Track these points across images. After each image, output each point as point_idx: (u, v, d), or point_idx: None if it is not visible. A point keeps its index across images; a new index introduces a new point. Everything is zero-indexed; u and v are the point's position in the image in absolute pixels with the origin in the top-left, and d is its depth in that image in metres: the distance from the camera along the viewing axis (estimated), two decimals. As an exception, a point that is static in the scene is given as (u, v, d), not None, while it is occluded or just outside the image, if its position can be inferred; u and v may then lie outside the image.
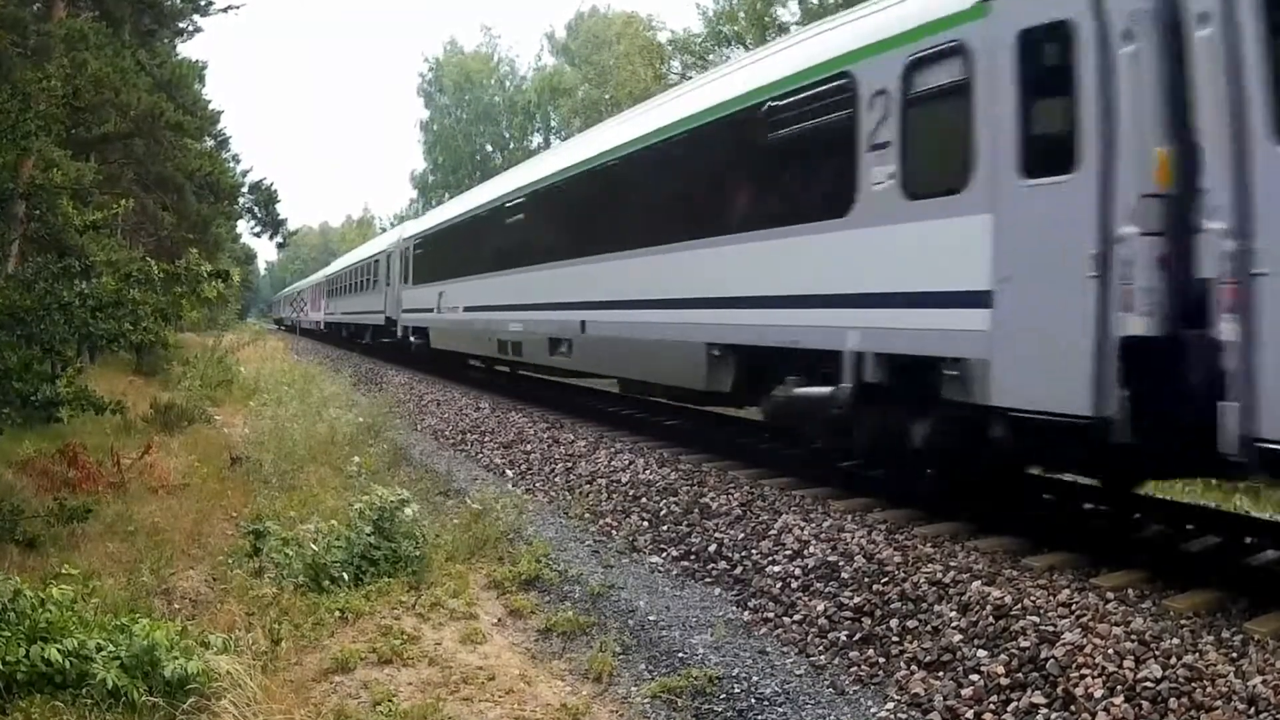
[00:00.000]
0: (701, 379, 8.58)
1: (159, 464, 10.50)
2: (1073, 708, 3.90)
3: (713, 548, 6.59)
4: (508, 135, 55.74)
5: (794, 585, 5.70)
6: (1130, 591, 4.98)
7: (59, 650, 4.31)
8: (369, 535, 6.36)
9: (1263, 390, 4.14)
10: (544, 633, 5.51)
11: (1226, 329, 4.29)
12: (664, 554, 6.80)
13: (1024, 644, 4.34)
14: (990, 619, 4.65)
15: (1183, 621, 4.52)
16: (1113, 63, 4.83)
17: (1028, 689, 4.10)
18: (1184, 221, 4.55)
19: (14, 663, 4.25)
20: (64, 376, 8.33)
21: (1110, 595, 4.85)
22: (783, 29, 23.55)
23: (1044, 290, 5.16)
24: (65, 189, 10.10)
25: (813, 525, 6.42)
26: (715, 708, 4.45)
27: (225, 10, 19.30)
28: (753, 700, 4.48)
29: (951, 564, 5.38)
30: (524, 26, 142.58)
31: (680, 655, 5.00)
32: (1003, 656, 4.33)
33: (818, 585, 5.60)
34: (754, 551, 6.30)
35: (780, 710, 4.38)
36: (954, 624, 4.72)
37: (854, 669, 4.72)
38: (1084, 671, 4.04)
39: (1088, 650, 4.14)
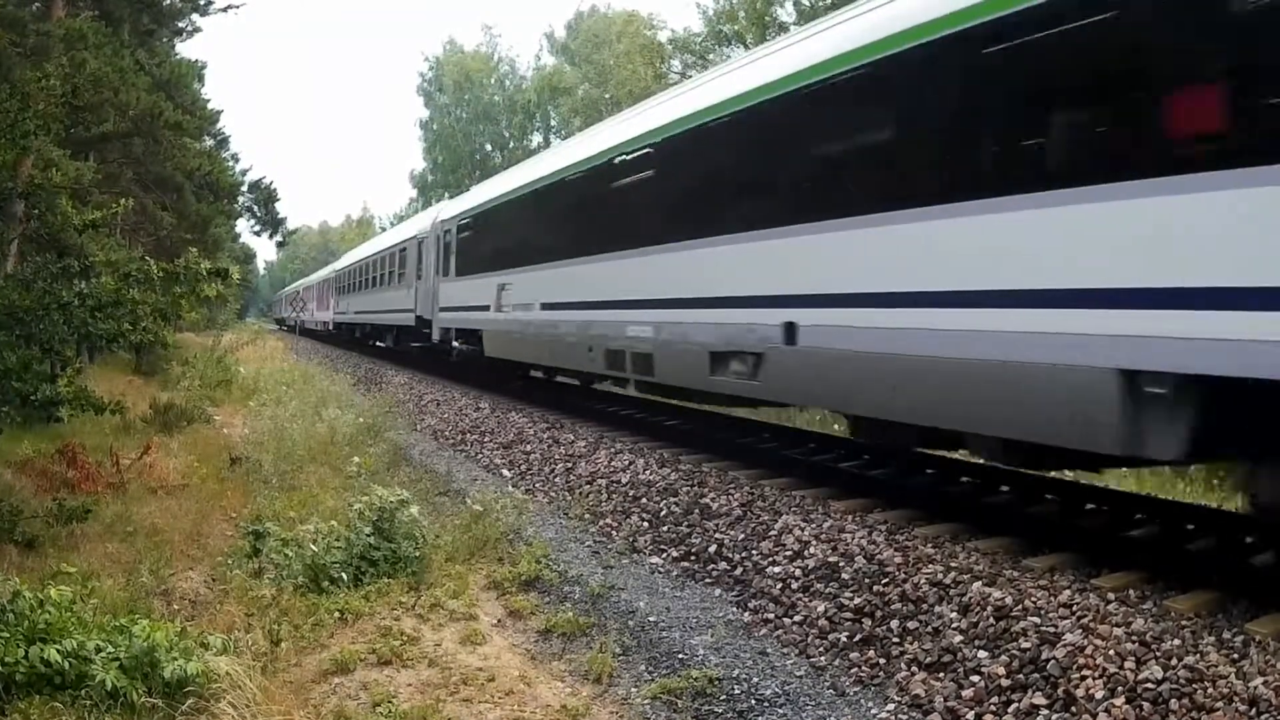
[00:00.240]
0: (1115, 432, 4.74)
1: (158, 464, 10.49)
2: (1074, 709, 3.89)
3: (713, 548, 6.58)
4: (508, 135, 55.70)
5: (794, 586, 5.69)
6: (1131, 592, 4.98)
7: (58, 651, 4.30)
8: (368, 536, 6.36)
9: None
10: (544, 633, 5.51)
11: None
12: (664, 555, 6.79)
13: (1025, 645, 4.34)
14: (991, 620, 4.64)
15: (1184, 622, 4.52)
16: None
17: (1028, 690, 4.09)
18: None
19: (13, 663, 4.23)
20: (64, 376, 8.33)
21: (1111, 596, 4.84)
22: (783, 28, 23.53)
23: None
24: (64, 188, 10.09)
25: (813, 526, 6.42)
26: (715, 709, 4.44)
27: (225, 10, 19.32)
28: (753, 701, 4.47)
29: (952, 565, 5.37)
30: (524, 26, 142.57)
31: (680, 656, 4.99)
32: (1003, 657, 4.32)
33: (818, 586, 5.59)
34: (754, 552, 6.29)
35: (781, 711, 4.37)
36: (954, 625, 4.72)
37: (854, 670, 4.71)
38: (1085, 672, 4.03)
39: (1089, 651, 4.14)
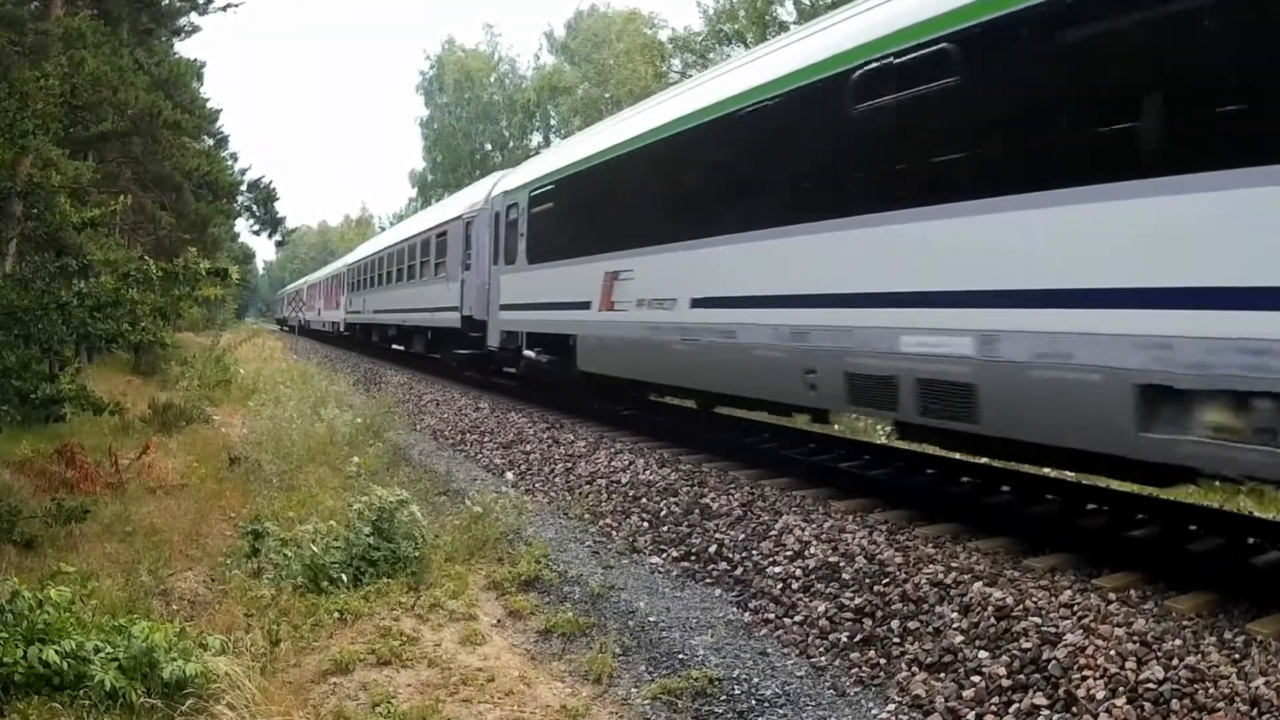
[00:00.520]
0: None
1: (157, 464, 10.47)
2: (1075, 709, 3.88)
3: (713, 548, 6.57)
4: (507, 134, 55.71)
5: (795, 586, 5.68)
6: (1132, 592, 4.97)
7: (57, 651, 4.29)
8: (368, 536, 6.34)
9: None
10: (544, 634, 5.50)
11: None
12: (664, 555, 6.78)
13: (1026, 645, 4.33)
14: (992, 620, 4.63)
15: (1185, 623, 4.51)
16: None
17: (1029, 690, 4.09)
18: None
19: (12, 664, 4.23)
20: (65, 375, 8.32)
21: (1112, 596, 4.83)
22: (783, 27, 23.52)
23: None
24: (63, 188, 10.08)
25: (813, 526, 6.41)
26: (716, 709, 4.43)
27: (224, 9, 19.32)
28: (753, 702, 4.46)
29: (953, 565, 5.36)
30: (523, 25, 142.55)
31: (681, 656, 4.99)
32: (1004, 658, 4.32)
33: (818, 586, 5.59)
34: (754, 552, 6.28)
35: (781, 712, 4.36)
36: (955, 625, 4.71)
37: (855, 670, 4.70)
38: (1086, 673, 4.03)
39: (1090, 651, 4.13)
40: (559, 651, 5.27)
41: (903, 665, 4.60)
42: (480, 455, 11.33)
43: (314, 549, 6.29)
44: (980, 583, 5.02)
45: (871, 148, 6.63)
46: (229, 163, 26.92)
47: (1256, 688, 3.73)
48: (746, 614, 5.59)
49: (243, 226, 39.99)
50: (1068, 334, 5.02)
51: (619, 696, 4.67)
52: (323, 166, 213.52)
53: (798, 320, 7.20)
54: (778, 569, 5.94)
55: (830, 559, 5.81)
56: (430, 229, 20.28)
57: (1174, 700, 3.76)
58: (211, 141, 28.10)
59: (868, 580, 5.42)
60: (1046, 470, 7.76)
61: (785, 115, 7.49)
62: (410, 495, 6.96)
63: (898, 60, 6.28)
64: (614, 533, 7.44)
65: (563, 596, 6.07)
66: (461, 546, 6.97)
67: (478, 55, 57.86)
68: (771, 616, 5.46)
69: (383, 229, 61.60)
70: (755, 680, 4.65)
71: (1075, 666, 4.07)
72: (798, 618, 5.34)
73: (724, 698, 4.51)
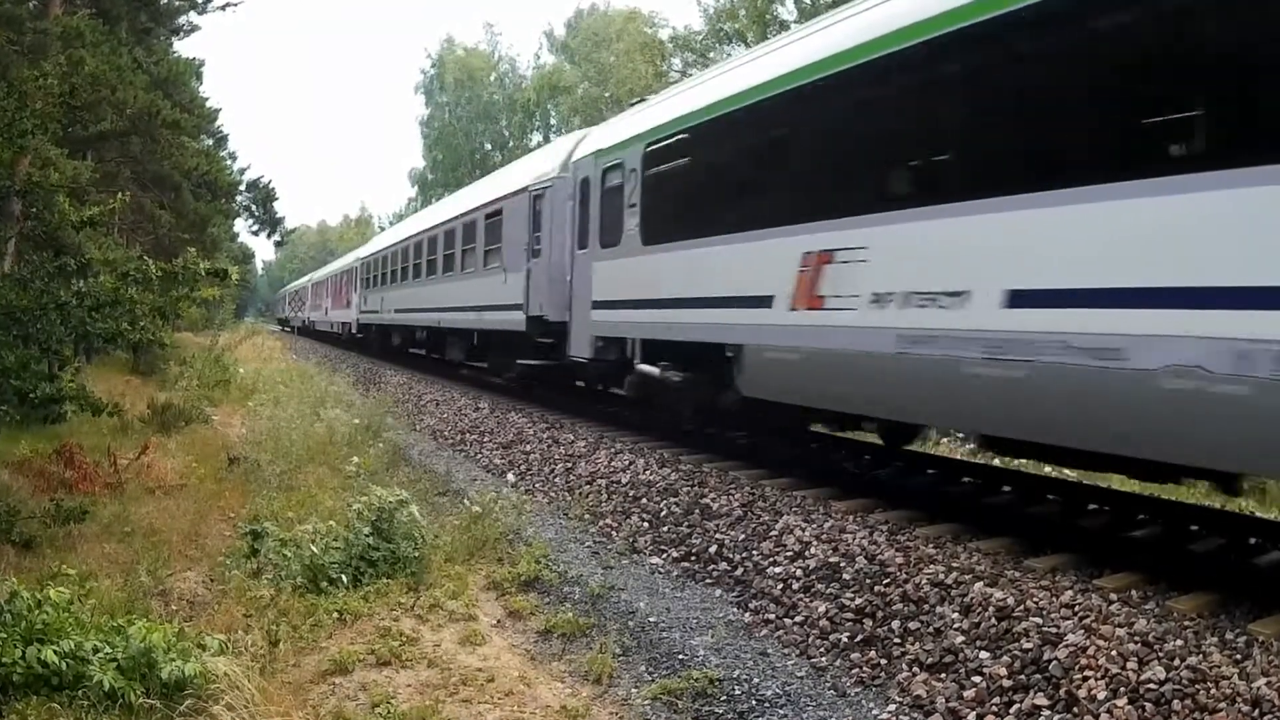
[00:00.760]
0: None
1: (156, 464, 10.46)
2: (1076, 710, 3.87)
3: (713, 549, 6.56)
4: (507, 133, 55.71)
5: (795, 586, 5.67)
6: (1133, 593, 4.96)
7: (55, 652, 4.28)
8: (367, 536, 6.33)
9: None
10: (544, 634, 5.49)
11: None
12: (664, 555, 6.78)
13: (1027, 645, 4.32)
14: (992, 620, 4.62)
15: (1186, 623, 4.50)
16: None
17: (1030, 691, 4.08)
18: None
19: (10, 664, 4.22)
20: (63, 375, 8.31)
21: (1113, 596, 4.82)
22: (783, 26, 23.52)
23: None
24: (62, 187, 10.07)
25: (814, 526, 6.40)
26: (716, 709, 4.42)
27: (222, 8, 19.32)
28: (754, 702, 4.45)
29: (953, 565, 5.35)
30: (523, 24, 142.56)
31: (681, 657, 4.98)
32: (1005, 658, 4.31)
33: (819, 586, 5.58)
34: (755, 553, 6.27)
35: (781, 712, 4.35)
36: (956, 625, 4.70)
37: (855, 671, 4.69)
38: (1087, 673, 4.02)
39: (1091, 652, 4.12)
40: (559, 652, 5.26)
41: (903, 666, 4.59)
42: (480, 455, 11.32)
43: (313, 549, 6.27)
44: (981, 583, 5.01)
45: None
46: (228, 162, 26.98)
47: (1258, 688, 3.72)
48: (747, 614, 5.58)
49: (242, 226, 39.99)
50: None
51: (619, 697, 4.66)
52: (322, 166, 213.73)
53: None
54: (778, 569, 5.93)
55: (831, 559, 5.80)
56: (475, 209, 16.56)
57: (1175, 701, 3.75)
58: (210, 141, 28.13)
59: (868, 580, 5.41)
60: (1048, 470, 7.76)
61: None
62: (410, 495, 6.95)
63: None
64: (614, 533, 7.43)
65: (563, 597, 6.06)
66: (461, 547, 6.96)
67: (478, 54, 57.88)
68: (772, 617, 5.45)
69: (382, 229, 61.19)
70: (756, 681, 4.64)
71: (1076, 667, 4.06)
72: (798, 618, 5.33)
73: (724, 698, 4.50)
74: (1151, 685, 3.85)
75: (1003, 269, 5.46)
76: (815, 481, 7.85)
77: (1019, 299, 5.33)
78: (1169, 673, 3.91)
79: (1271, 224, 4.15)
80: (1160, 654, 4.05)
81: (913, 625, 4.86)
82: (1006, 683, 4.16)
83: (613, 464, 9.14)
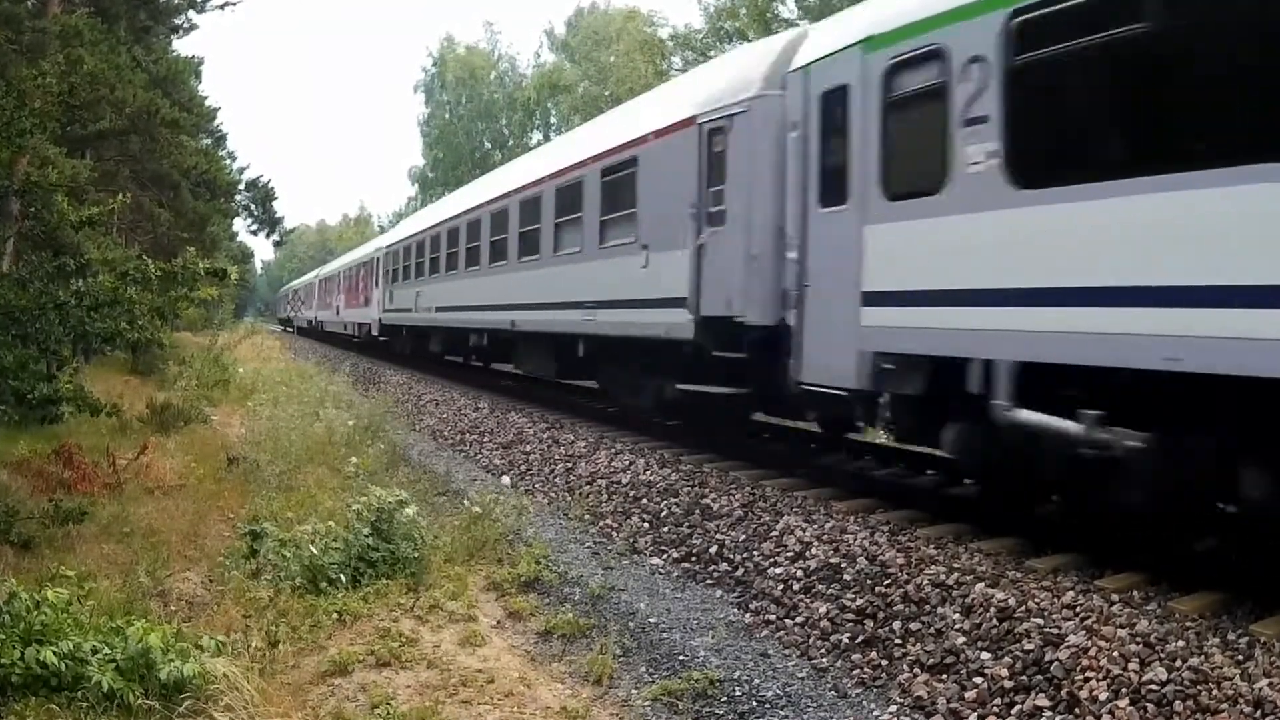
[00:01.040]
0: None
1: (155, 464, 10.43)
2: (1077, 711, 3.87)
3: (714, 549, 6.55)
4: (507, 132, 55.69)
5: (796, 587, 5.66)
6: (1135, 593, 4.95)
7: (54, 653, 4.26)
8: (367, 537, 6.32)
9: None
10: (544, 635, 5.48)
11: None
12: (665, 556, 6.77)
13: (1028, 646, 4.31)
14: (994, 621, 4.62)
15: (1188, 624, 4.49)
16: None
17: (1032, 692, 4.07)
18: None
19: (9, 665, 4.20)
20: (62, 375, 8.30)
21: (1115, 597, 4.81)
22: (783, 24, 23.52)
23: None
24: (60, 186, 10.05)
25: (815, 527, 6.39)
26: (716, 710, 4.42)
27: (221, 7, 19.23)
28: (754, 703, 4.44)
29: (955, 565, 5.34)
30: (523, 23, 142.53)
31: (681, 658, 4.97)
32: (1006, 659, 4.30)
33: (820, 587, 5.57)
34: (755, 553, 6.27)
35: (782, 713, 4.35)
36: (957, 626, 4.69)
37: (856, 671, 4.69)
38: (1089, 674, 4.01)
39: (1092, 653, 4.11)
40: (559, 653, 5.25)
41: (904, 666, 4.58)
42: (480, 455, 11.31)
43: (313, 550, 6.26)
44: (982, 584, 5.00)
45: None
46: (227, 161, 26.96)
47: (1260, 689, 3.71)
48: (747, 615, 5.57)
49: (241, 226, 39.96)
50: None
51: (619, 698, 4.65)
52: (321, 166, 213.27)
53: None
54: (779, 570, 5.92)
55: (832, 560, 5.79)
56: (576, 166, 11.74)
57: (1177, 702, 3.75)
58: (210, 140, 28.08)
59: (869, 581, 5.40)
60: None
61: None
62: (409, 496, 6.94)
63: None
64: (614, 533, 7.42)
65: (563, 597, 6.05)
66: (461, 547, 6.95)
67: (478, 53, 57.84)
68: (773, 617, 5.44)
69: (382, 229, 60.76)
70: (756, 681, 4.63)
71: (1078, 668, 4.06)
72: (799, 619, 5.32)
73: (725, 699, 4.49)
74: (1153, 686, 3.85)
75: None
76: (816, 482, 7.84)
77: None
78: (1171, 674, 3.90)
79: None
80: (1162, 655, 4.05)
81: (914, 626, 4.85)
82: (1008, 684, 4.16)
83: (613, 464, 9.13)
